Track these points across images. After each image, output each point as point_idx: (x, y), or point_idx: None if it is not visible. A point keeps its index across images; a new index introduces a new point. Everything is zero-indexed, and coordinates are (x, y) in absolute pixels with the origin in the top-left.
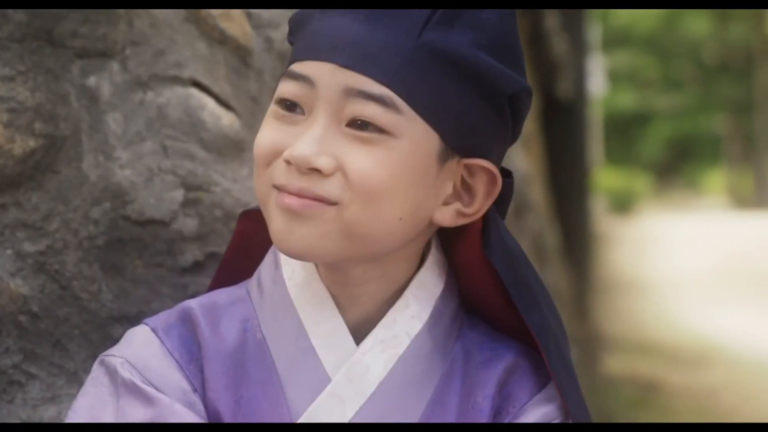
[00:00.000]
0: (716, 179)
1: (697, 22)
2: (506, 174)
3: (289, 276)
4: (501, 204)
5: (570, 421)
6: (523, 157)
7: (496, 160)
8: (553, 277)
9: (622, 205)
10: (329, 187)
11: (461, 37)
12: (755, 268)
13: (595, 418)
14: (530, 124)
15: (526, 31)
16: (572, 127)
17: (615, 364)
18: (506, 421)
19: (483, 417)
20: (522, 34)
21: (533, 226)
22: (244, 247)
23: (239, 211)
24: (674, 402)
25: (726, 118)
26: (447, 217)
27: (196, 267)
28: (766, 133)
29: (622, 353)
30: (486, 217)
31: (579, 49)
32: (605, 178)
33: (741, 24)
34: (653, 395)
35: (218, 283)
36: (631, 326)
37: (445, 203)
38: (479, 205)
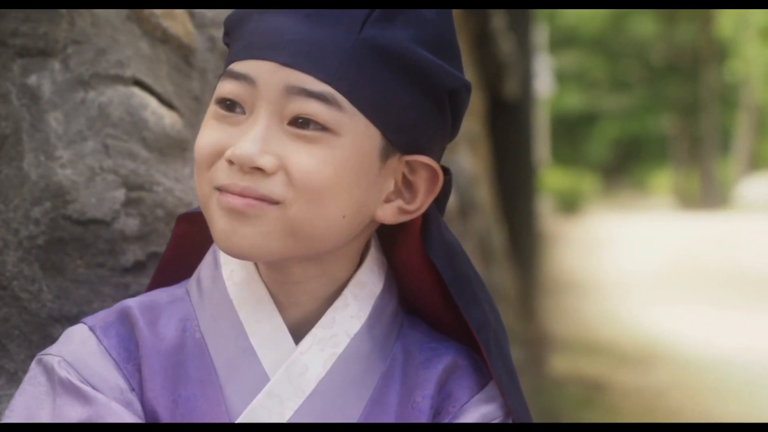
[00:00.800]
0: (663, 179)
1: (644, 23)
2: (445, 171)
3: (229, 275)
4: (440, 201)
5: (510, 421)
6: (469, 157)
7: (437, 156)
8: (500, 277)
9: (569, 205)
10: (272, 187)
11: (401, 34)
12: (701, 268)
13: (541, 418)
14: (476, 124)
15: (472, 31)
16: (519, 127)
17: (561, 364)
18: (446, 420)
19: (423, 417)
20: (468, 34)
21: (479, 226)
22: (182, 249)
23: (181, 210)
24: (620, 401)
25: (672, 118)
26: (389, 214)
27: (138, 267)
28: (712, 134)
29: (568, 353)
30: (426, 215)
31: (526, 49)
32: (552, 178)
33: (687, 25)
34: (599, 395)
35: (157, 283)
36: (578, 326)
37: (387, 200)
38: (421, 202)
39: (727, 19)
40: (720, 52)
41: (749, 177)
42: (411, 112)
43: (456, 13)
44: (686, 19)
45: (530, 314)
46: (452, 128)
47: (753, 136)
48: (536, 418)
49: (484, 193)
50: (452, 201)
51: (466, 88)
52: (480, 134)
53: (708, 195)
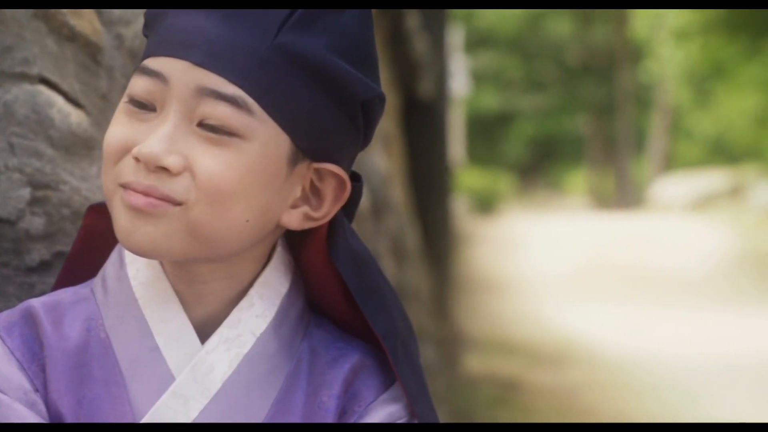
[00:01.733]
0: (578, 179)
1: (560, 24)
2: (356, 178)
3: (134, 274)
4: (349, 208)
5: (415, 421)
6: (383, 157)
7: (347, 165)
8: (413, 276)
9: (485, 204)
10: (176, 187)
11: (317, 41)
12: (615, 268)
13: (456, 418)
14: (390, 124)
15: (386, 31)
16: (433, 127)
17: (475, 364)
18: (351, 420)
19: (329, 416)
20: (382, 33)
21: (393, 226)
22: (90, 243)
23: None
24: (533, 401)
25: (587, 118)
26: (294, 220)
27: (43, 266)
28: (626, 134)
29: (483, 352)
30: (332, 222)
31: (441, 49)
32: (468, 177)
33: (603, 26)
34: (512, 394)
35: (63, 280)
36: (492, 325)
37: (294, 206)
38: (327, 210)
39: (641, 20)
40: (634, 52)
41: (663, 177)
42: (322, 120)
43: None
44: (601, 20)
45: (444, 314)
46: (364, 138)
47: (667, 136)
48: (450, 418)
49: (397, 193)
50: (365, 201)
51: (380, 98)
52: (394, 134)
53: (622, 195)
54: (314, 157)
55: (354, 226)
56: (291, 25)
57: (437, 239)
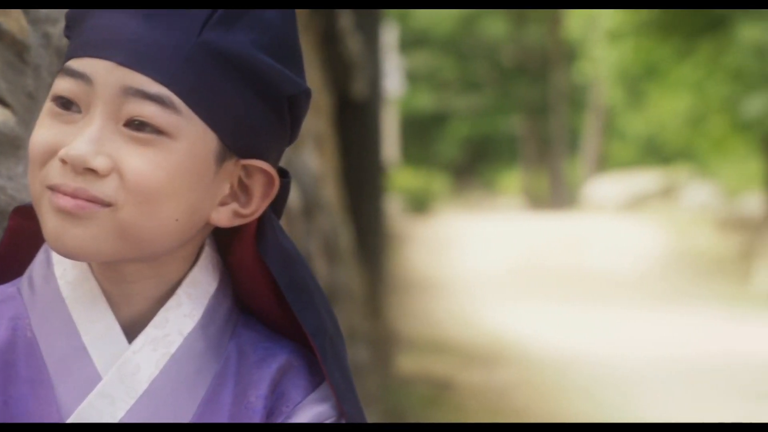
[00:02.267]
0: (512, 180)
1: (495, 25)
2: (283, 174)
3: (61, 274)
4: (277, 205)
5: (343, 421)
6: (316, 157)
7: (274, 161)
8: (346, 276)
9: (420, 204)
10: (104, 188)
11: (241, 38)
12: (549, 268)
13: (389, 417)
14: (324, 124)
15: (318, 30)
16: (367, 127)
17: (408, 363)
18: (279, 420)
19: (256, 417)
20: (315, 33)
21: (325, 226)
22: (16, 244)
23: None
24: (467, 400)
25: (522, 119)
26: (223, 217)
27: None
28: (560, 135)
29: (416, 352)
30: (261, 219)
31: (374, 49)
32: (402, 177)
33: (537, 27)
34: (446, 393)
35: None
36: (426, 325)
37: (222, 204)
38: (256, 206)
39: (575, 20)
40: (568, 53)
41: (596, 178)
42: (248, 116)
43: (302, 13)
44: (536, 21)
45: (378, 314)
46: (291, 133)
47: (600, 137)
48: (383, 418)
49: (330, 193)
50: (297, 200)
51: (306, 94)
52: (327, 134)
53: (556, 195)
54: (242, 154)
55: (286, 225)
56: (215, 23)
57: (370, 239)
